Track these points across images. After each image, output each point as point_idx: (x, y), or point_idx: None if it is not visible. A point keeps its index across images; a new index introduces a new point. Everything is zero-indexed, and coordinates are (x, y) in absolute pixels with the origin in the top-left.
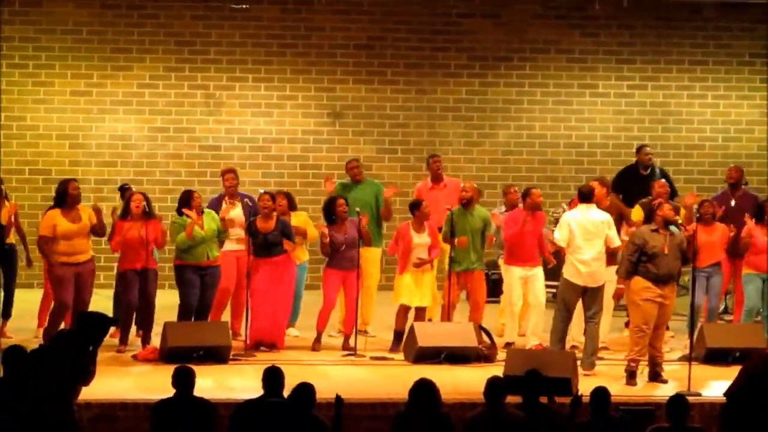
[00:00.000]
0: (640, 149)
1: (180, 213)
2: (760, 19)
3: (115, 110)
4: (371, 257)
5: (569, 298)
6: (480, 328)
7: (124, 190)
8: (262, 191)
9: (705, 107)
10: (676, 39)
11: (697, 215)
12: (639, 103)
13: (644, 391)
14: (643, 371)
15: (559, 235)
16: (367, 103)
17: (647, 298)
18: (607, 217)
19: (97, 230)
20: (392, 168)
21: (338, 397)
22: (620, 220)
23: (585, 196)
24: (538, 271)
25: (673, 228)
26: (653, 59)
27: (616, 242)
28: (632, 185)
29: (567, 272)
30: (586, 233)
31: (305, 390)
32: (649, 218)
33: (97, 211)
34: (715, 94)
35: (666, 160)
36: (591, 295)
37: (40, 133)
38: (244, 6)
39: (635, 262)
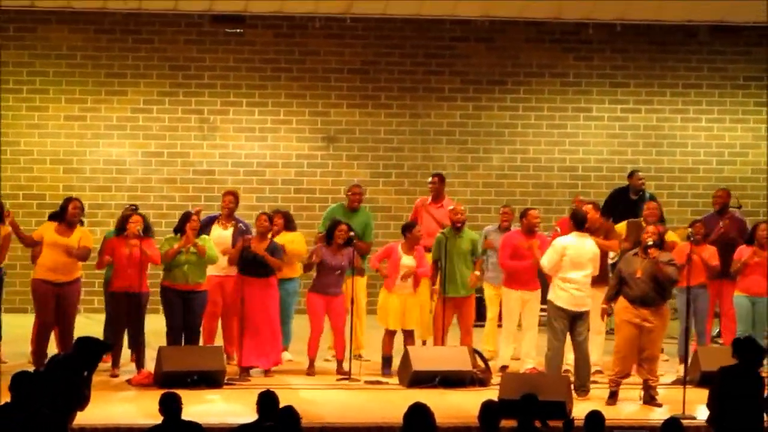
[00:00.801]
0: (632, 174)
1: (176, 232)
2: (754, 43)
3: (110, 135)
4: (361, 285)
5: (559, 324)
6: (474, 352)
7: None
8: (262, 213)
9: (699, 130)
10: (670, 62)
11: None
12: (633, 127)
13: (639, 414)
14: (640, 395)
15: (547, 262)
16: (361, 127)
17: (626, 319)
18: (596, 249)
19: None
20: (386, 192)
21: None
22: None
23: (580, 223)
24: (536, 296)
25: (666, 254)
26: (647, 83)
27: (596, 269)
28: (622, 209)
29: (555, 298)
30: (580, 261)
31: (289, 413)
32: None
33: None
34: (709, 117)
35: (660, 183)
36: (580, 321)
37: (35, 157)
38: (238, 31)
39: (616, 284)
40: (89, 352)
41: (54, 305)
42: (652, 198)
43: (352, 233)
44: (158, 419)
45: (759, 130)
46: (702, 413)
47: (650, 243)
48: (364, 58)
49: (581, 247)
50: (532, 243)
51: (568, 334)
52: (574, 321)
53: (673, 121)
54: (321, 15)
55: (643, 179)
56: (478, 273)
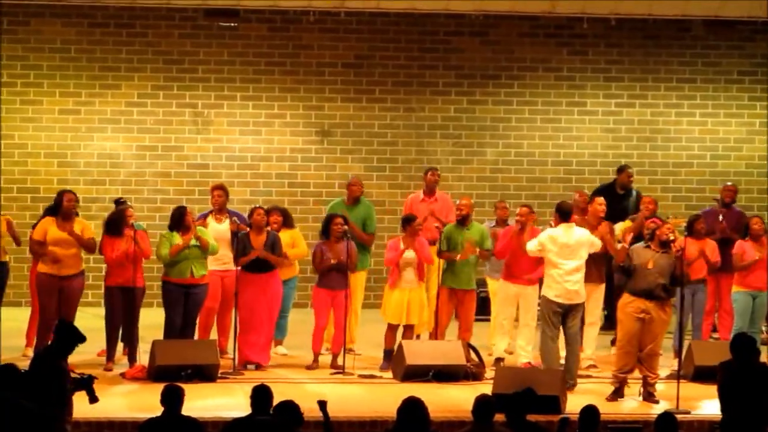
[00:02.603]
0: (622, 170)
1: (171, 229)
2: (748, 37)
3: (104, 129)
4: (358, 280)
5: (552, 317)
6: (468, 346)
7: (120, 204)
8: (256, 206)
9: (693, 125)
10: (664, 57)
11: (688, 231)
12: (627, 121)
13: (633, 409)
14: (639, 390)
15: (531, 245)
16: (355, 121)
17: (630, 313)
18: (586, 234)
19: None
20: (380, 186)
21: (321, 402)
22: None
23: (565, 214)
24: (532, 291)
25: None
26: (641, 77)
27: (596, 245)
28: (608, 204)
29: (548, 292)
30: (569, 252)
31: (288, 407)
32: (639, 237)
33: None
34: (703, 111)
35: (654, 177)
36: (572, 314)
37: (29, 151)
38: (232, 25)
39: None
40: (65, 338)
41: (57, 299)
42: (639, 197)
43: (345, 227)
44: (151, 413)
45: (753, 124)
46: (696, 407)
47: (671, 238)
48: (358, 53)
49: (569, 237)
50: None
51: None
52: (567, 314)
53: (667, 116)
54: (315, 9)
55: (632, 176)
56: (478, 250)
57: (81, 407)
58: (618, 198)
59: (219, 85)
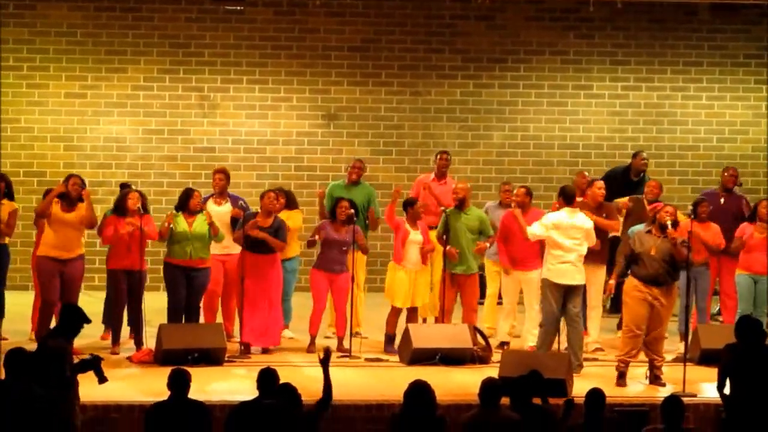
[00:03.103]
0: (636, 155)
1: (178, 209)
2: (754, 21)
3: (110, 112)
4: (360, 261)
5: (553, 299)
6: (475, 330)
7: (124, 188)
8: (268, 190)
9: (699, 108)
10: (671, 40)
11: (693, 214)
12: (633, 105)
13: (639, 392)
14: (646, 374)
15: (533, 230)
16: (362, 104)
17: (637, 298)
18: (589, 223)
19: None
20: (387, 170)
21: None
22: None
23: (569, 198)
24: (535, 275)
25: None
26: (648, 60)
27: (592, 240)
28: (621, 190)
29: (547, 273)
30: (570, 236)
31: (287, 390)
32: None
33: (86, 195)
34: (710, 95)
35: (660, 161)
36: (573, 295)
37: (35, 135)
38: (238, 8)
39: (626, 261)
40: (70, 320)
41: (58, 283)
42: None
43: (351, 211)
44: (158, 396)
45: (759, 107)
46: (703, 390)
47: (669, 223)
48: (364, 36)
49: (571, 221)
50: (515, 212)
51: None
52: (567, 295)
53: (673, 99)
54: None
55: (647, 160)
56: (487, 244)
57: (88, 391)
58: (633, 184)
59: (225, 68)
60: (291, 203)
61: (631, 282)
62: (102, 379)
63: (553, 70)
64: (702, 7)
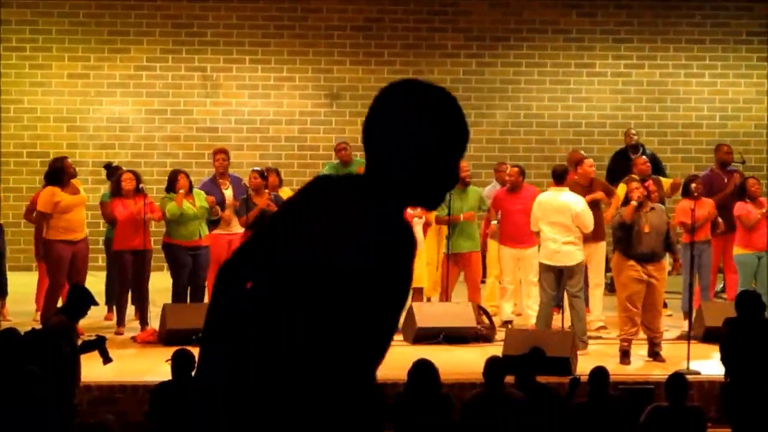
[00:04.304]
0: (626, 133)
1: (168, 191)
2: None
3: (113, 93)
4: None
5: (547, 280)
6: (479, 308)
7: (111, 169)
8: (252, 169)
9: (702, 86)
10: (673, 18)
11: (683, 192)
12: (636, 83)
13: (643, 370)
14: (648, 351)
15: (533, 225)
16: (364, 84)
17: (631, 277)
18: (578, 200)
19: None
20: None
21: None
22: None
23: (558, 177)
24: (531, 252)
25: (659, 206)
26: (650, 38)
27: (586, 226)
28: (624, 170)
29: (541, 255)
30: (554, 214)
31: None
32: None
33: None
34: (713, 72)
35: (663, 138)
36: (568, 275)
37: (38, 116)
38: None
39: (618, 239)
40: (79, 301)
41: (68, 265)
42: (654, 156)
43: None
44: (162, 377)
45: (762, 85)
46: (706, 368)
47: (635, 203)
48: (367, 15)
49: (553, 200)
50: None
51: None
52: (562, 276)
53: (676, 77)
54: None
55: (634, 134)
56: (495, 222)
57: (93, 371)
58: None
59: (228, 48)
60: (279, 181)
61: (624, 261)
62: (106, 360)
63: (555, 48)
64: None
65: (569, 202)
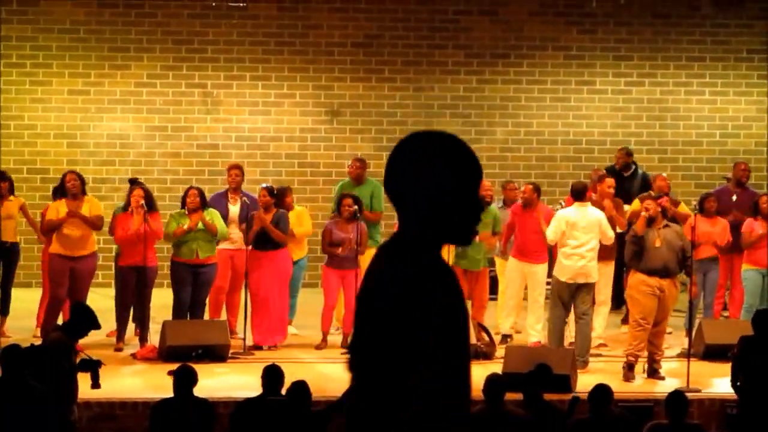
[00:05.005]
0: (618, 153)
1: (184, 206)
2: (758, 16)
3: (113, 109)
4: (368, 258)
5: (563, 297)
6: (479, 326)
7: (135, 184)
8: (262, 186)
9: (702, 103)
10: (674, 35)
11: (699, 208)
12: (636, 100)
13: (643, 387)
14: (644, 368)
15: (551, 233)
16: (365, 100)
17: (644, 292)
18: (600, 215)
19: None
20: None
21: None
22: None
23: (578, 193)
24: (540, 269)
25: (673, 225)
26: (651, 56)
27: (609, 236)
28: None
29: (558, 271)
30: (581, 230)
31: (301, 388)
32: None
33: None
34: (713, 90)
35: (663, 156)
36: (583, 293)
37: (38, 132)
38: (241, 4)
39: (633, 253)
40: (80, 321)
41: (68, 280)
42: (645, 177)
43: (355, 207)
44: (163, 393)
45: (762, 102)
46: (706, 385)
47: (646, 215)
48: (367, 32)
49: (582, 216)
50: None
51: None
52: (577, 293)
53: (676, 94)
54: None
55: (625, 155)
56: (497, 243)
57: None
58: (624, 179)
59: (228, 65)
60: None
61: (637, 277)
62: (95, 385)
63: (556, 65)
64: (705, 2)
65: (597, 216)
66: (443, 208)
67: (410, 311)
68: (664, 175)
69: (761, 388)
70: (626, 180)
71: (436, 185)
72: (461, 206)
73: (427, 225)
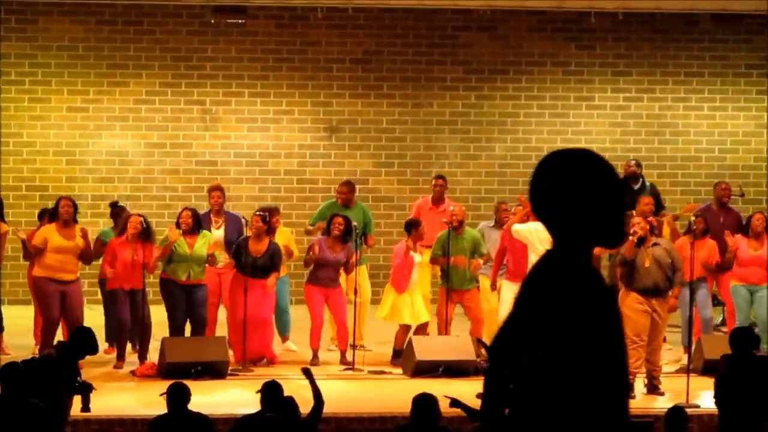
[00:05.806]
0: (626, 164)
1: (178, 225)
2: (756, 31)
3: (112, 126)
4: (362, 274)
5: None
6: (478, 342)
7: (116, 208)
8: (256, 212)
9: (701, 119)
10: (672, 51)
11: (691, 229)
12: (635, 116)
13: (643, 403)
14: (644, 383)
15: (517, 228)
16: (364, 117)
17: (637, 310)
18: None
19: (84, 254)
20: (389, 182)
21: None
22: None
23: None
24: None
25: (662, 241)
26: (649, 71)
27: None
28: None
29: None
30: (543, 243)
31: (290, 404)
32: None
33: (84, 232)
34: (711, 105)
35: (662, 172)
36: None
37: (37, 149)
38: (239, 21)
39: (623, 274)
40: (79, 345)
41: (58, 301)
42: (654, 188)
43: (354, 223)
44: (162, 410)
45: (761, 118)
46: (706, 401)
47: (636, 240)
48: (366, 48)
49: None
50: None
51: None
52: None
53: (675, 110)
54: (323, 5)
55: (635, 167)
56: (481, 262)
57: (91, 405)
58: (634, 192)
59: (227, 81)
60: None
61: (629, 295)
62: (85, 408)
63: (554, 81)
64: (703, 17)
65: None
66: (594, 221)
67: (582, 326)
68: (649, 198)
69: (742, 406)
70: (636, 192)
71: (585, 201)
72: (609, 215)
73: (581, 237)
